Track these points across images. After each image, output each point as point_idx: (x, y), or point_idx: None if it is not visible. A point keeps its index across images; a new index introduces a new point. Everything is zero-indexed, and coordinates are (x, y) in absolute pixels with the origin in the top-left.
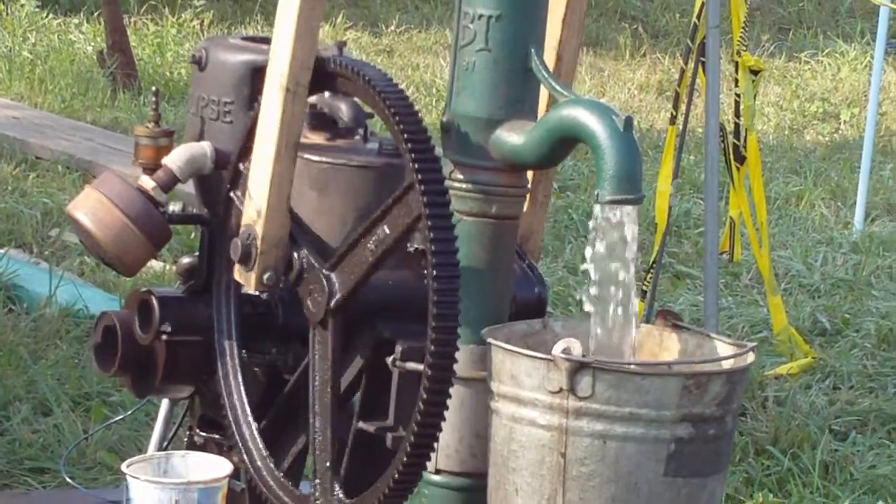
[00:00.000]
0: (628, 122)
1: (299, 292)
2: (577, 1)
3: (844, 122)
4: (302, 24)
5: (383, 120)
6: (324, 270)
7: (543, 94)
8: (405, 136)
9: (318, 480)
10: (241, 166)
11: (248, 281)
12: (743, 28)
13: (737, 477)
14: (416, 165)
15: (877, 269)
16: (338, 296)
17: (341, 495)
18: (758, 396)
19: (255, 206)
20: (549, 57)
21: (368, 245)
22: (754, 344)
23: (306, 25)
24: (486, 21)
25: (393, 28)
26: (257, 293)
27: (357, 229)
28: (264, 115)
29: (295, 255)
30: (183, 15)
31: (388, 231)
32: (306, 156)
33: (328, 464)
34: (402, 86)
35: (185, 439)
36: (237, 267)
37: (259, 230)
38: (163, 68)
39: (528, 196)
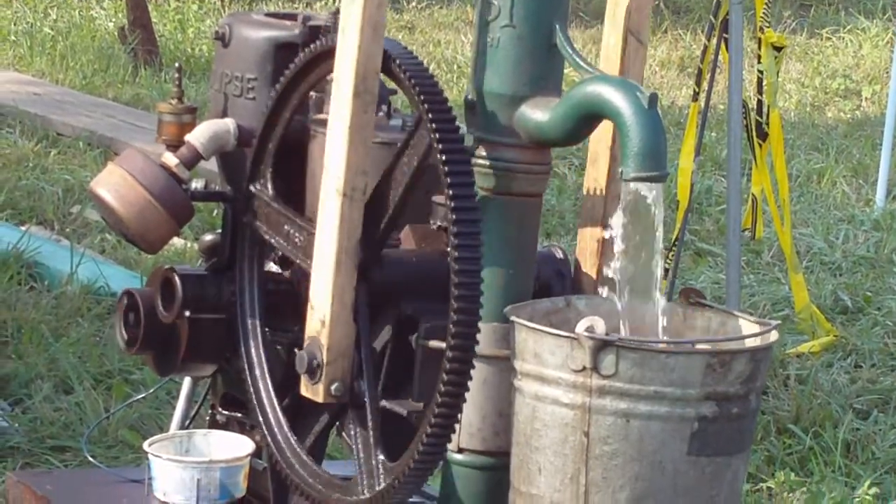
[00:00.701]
0: (653, 99)
1: None
2: None
3: (866, 98)
4: (354, 129)
5: (408, 97)
6: None
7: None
8: (430, 114)
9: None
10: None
11: (315, 393)
12: (766, 4)
13: (758, 455)
14: (441, 146)
15: None
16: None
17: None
18: (779, 375)
19: (318, 316)
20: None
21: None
22: (778, 322)
23: (358, 130)
24: None
25: (414, 4)
26: (280, 271)
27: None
28: (321, 221)
29: None
30: None
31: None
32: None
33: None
34: (423, 63)
35: (208, 418)
36: (303, 379)
37: (324, 341)
38: (184, 44)
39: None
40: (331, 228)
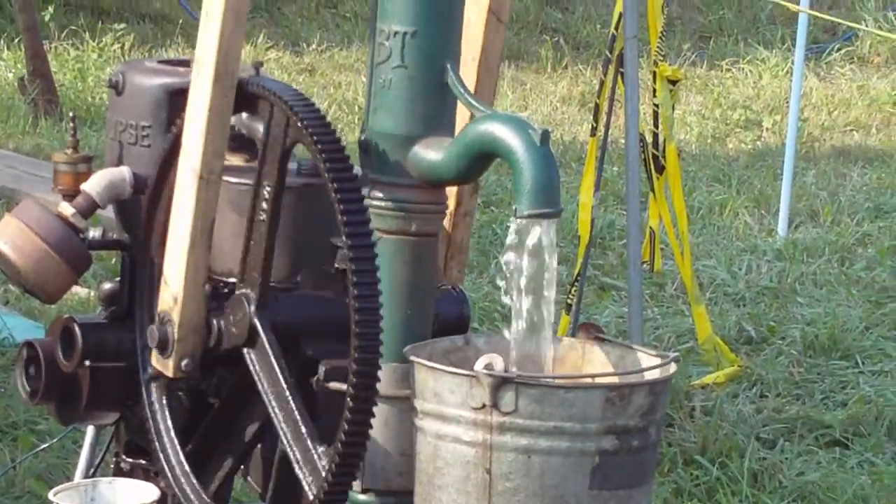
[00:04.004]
0: (545, 136)
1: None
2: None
3: (766, 129)
4: (214, 112)
5: (302, 141)
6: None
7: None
8: (323, 156)
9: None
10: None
11: (165, 368)
12: (660, 38)
13: (666, 487)
14: (335, 185)
15: (801, 276)
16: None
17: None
18: (685, 406)
19: (171, 292)
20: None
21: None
22: (677, 354)
23: (218, 114)
24: (402, 38)
25: (314, 47)
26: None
27: (288, 265)
28: (178, 202)
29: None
30: (103, 39)
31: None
32: (225, 178)
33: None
34: (324, 105)
35: (112, 466)
36: (154, 353)
37: (175, 317)
38: (84, 93)
39: (449, 212)
40: (186, 209)
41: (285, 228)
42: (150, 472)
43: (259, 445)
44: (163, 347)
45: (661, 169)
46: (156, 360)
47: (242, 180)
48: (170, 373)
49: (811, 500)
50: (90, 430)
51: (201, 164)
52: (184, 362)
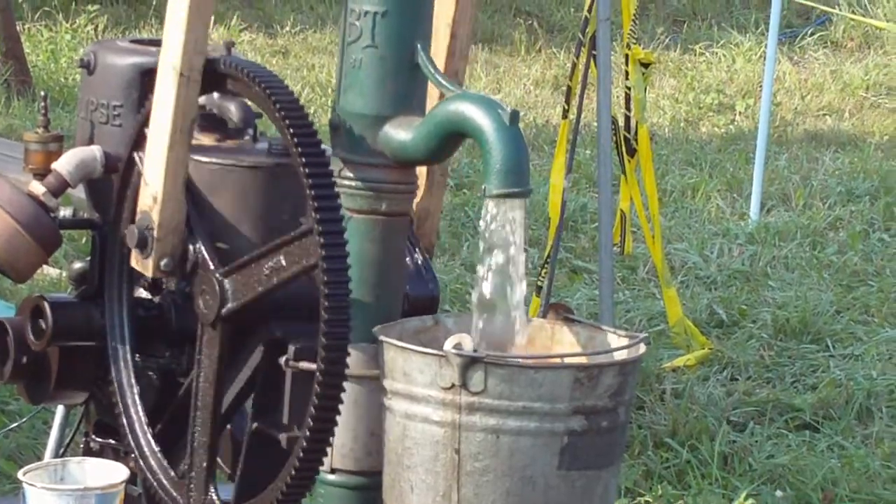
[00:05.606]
0: (514, 116)
1: (192, 289)
2: None
3: (739, 113)
4: (193, 9)
5: (272, 119)
6: (217, 274)
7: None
8: (293, 136)
9: (193, 475)
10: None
11: (145, 267)
12: (633, 21)
13: (636, 470)
14: (306, 169)
15: (773, 260)
16: (229, 304)
17: (214, 497)
18: (655, 389)
19: (150, 192)
20: (443, 35)
21: (264, 269)
22: (645, 335)
23: (197, 8)
24: (373, 17)
25: (288, 29)
26: (150, 297)
27: (259, 246)
28: (158, 100)
29: (191, 247)
30: (77, 20)
31: (284, 263)
32: (196, 157)
33: (204, 464)
34: (298, 87)
35: (82, 445)
36: (134, 253)
37: (155, 216)
38: (57, 74)
39: (424, 180)
40: (167, 106)
41: (256, 208)
42: (120, 452)
43: (228, 426)
44: (142, 246)
45: (632, 151)
46: (135, 261)
47: (213, 160)
48: (149, 272)
49: (781, 482)
50: (60, 410)
51: (181, 61)
52: (163, 262)
